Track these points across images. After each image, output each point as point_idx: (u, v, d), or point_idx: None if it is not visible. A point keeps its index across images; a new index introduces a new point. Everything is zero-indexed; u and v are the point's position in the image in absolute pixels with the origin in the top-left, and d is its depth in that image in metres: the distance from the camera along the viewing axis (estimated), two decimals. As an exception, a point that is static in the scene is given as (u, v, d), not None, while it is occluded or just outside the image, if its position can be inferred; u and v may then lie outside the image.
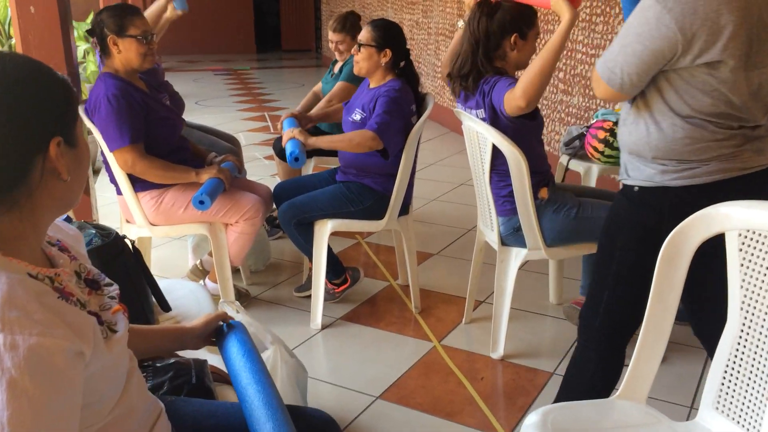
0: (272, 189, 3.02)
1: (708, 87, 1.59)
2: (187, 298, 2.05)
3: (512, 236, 2.52)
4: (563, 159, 3.85)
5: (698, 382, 2.44)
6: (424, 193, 4.72)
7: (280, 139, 3.90)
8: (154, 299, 1.92)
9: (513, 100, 2.22)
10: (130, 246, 1.96)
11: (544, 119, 5.35)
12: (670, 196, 1.68)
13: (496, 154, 2.41)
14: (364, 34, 2.82)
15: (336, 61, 4.03)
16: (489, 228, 2.63)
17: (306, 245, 2.84)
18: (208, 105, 8.64)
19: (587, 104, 4.62)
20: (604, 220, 1.88)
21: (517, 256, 2.54)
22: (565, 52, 4.84)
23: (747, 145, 1.64)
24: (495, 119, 2.37)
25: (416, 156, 2.88)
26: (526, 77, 2.19)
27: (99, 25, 2.62)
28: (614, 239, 1.81)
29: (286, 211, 2.79)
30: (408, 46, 2.90)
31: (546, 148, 5.16)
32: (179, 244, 3.71)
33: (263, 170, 5.37)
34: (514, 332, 2.74)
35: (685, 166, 1.66)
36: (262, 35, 15.77)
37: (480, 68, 2.40)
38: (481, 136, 2.47)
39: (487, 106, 2.37)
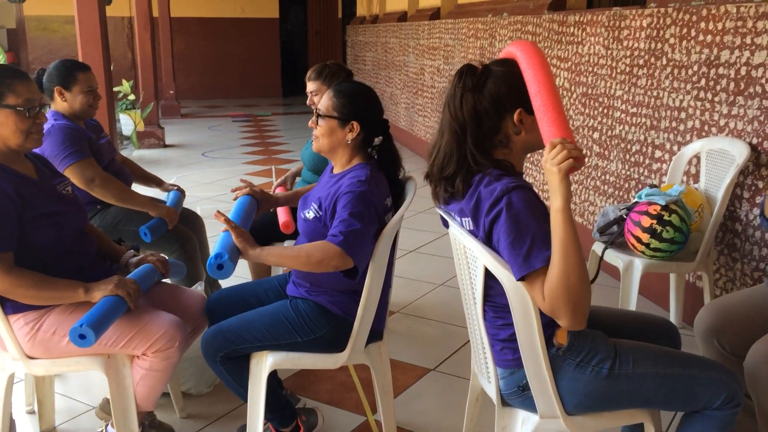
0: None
1: None
2: None
3: (517, 396, 1.74)
4: (597, 247, 3.05)
5: None
6: (423, 276, 3.94)
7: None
8: None
9: (552, 315, 1.55)
10: None
11: (576, 185, 4.61)
12: None
13: (492, 279, 1.65)
14: (325, 101, 2.11)
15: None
16: (485, 378, 1.85)
17: (238, 387, 2.09)
18: (215, 156, 8.07)
19: (627, 172, 3.82)
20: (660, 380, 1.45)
21: (524, 423, 1.75)
22: (601, 109, 4.07)
23: None
24: (491, 240, 1.62)
25: (393, 255, 2.13)
26: (560, 300, 1.49)
27: None
28: None
29: (210, 341, 2.06)
30: (384, 117, 2.17)
31: (578, 219, 4.38)
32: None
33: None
34: None
35: None
36: (289, 79, 15.39)
37: (471, 166, 1.66)
38: (469, 253, 1.71)
39: (482, 226, 1.63)
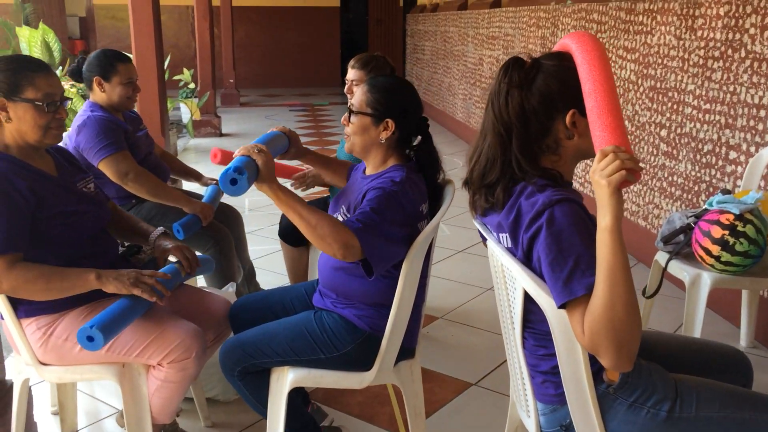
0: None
1: None
2: None
3: (559, 436, 1.53)
4: (660, 258, 2.78)
5: None
6: (470, 279, 3.73)
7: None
8: None
9: (593, 352, 1.33)
10: None
11: (640, 186, 4.29)
12: None
13: (532, 303, 1.45)
14: (358, 97, 1.92)
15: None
16: (524, 411, 1.65)
17: (257, 404, 1.95)
18: (269, 147, 8.01)
19: (697, 174, 3.50)
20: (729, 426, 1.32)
21: (567, 466, 1.54)
22: (670, 105, 3.76)
23: None
24: (531, 260, 1.42)
25: (427, 267, 1.94)
26: (602, 336, 1.27)
27: None
28: None
29: (228, 354, 1.92)
30: (424, 115, 1.97)
31: (642, 223, 4.07)
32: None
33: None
34: None
35: None
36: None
37: (514, 173, 1.45)
38: (507, 273, 1.51)
39: (520, 244, 1.42)
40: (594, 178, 1.29)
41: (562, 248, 1.32)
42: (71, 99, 2.04)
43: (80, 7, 13.85)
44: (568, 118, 1.43)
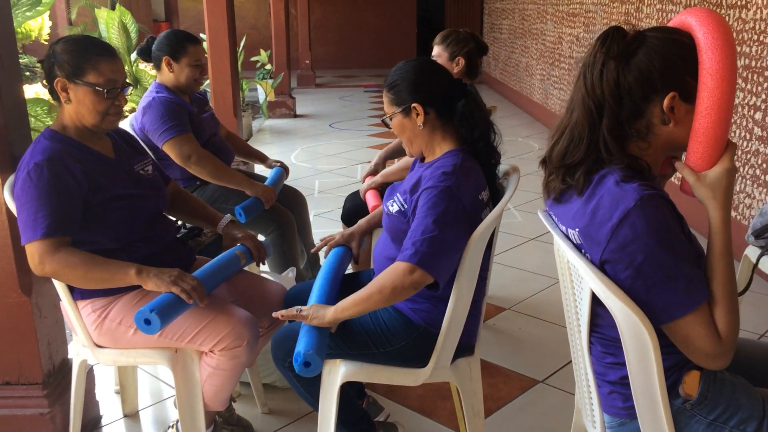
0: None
1: None
2: None
3: (628, 451, 1.39)
4: (750, 252, 2.55)
5: None
6: (541, 269, 3.56)
7: (352, 196, 3.02)
8: None
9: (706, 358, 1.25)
10: None
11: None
12: None
13: (601, 306, 1.31)
14: (384, 100, 1.85)
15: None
16: (589, 421, 1.51)
17: (308, 396, 1.89)
18: (342, 128, 7.99)
19: (797, 161, 3.21)
20: None
21: (636, 485, 1.40)
22: (766, 86, 3.45)
23: None
24: (610, 260, 1.27)
25: (488, 260, 1.82)
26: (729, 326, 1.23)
27: (49, 59, 1.86)
28: None
29: (279, 343, 1.86)
30: (463, 81, 1.81)
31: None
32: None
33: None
34: None
35: None
36: (425, 48, 15.10)
37: (600, 155, 1.30)
38: (574, 271, 1.37)
39: (597, 241, 1.26)
40: (703, 194, 1.23)
41: (664, 253, 1.20)
42: (133, 85, 2.01)
43: (164, -10, 14.20)
44: (666, 102, 1.26)
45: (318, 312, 1.70)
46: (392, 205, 1.81)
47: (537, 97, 8.32)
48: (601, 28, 5.94)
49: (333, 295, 1.80)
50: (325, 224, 4.27)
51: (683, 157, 1.34)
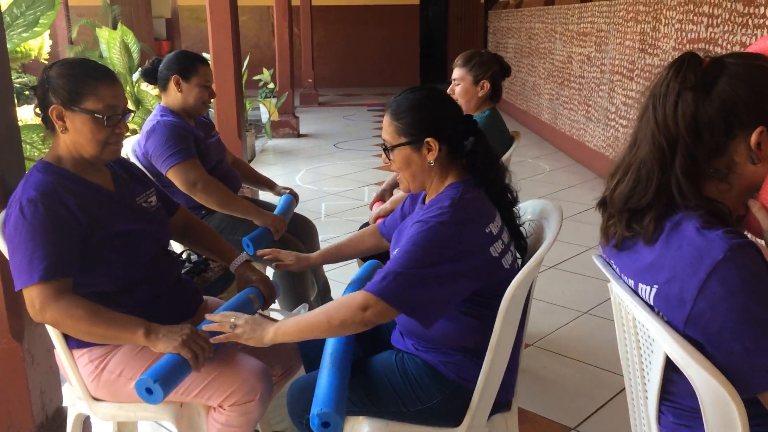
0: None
1: None
2: None
3: None
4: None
5: None
6: (563, 300, 3.38)
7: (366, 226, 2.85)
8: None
9: None
10: None
11: None
12: None
13: (675, 371, 1.13)
14: (386, 129, 1.64)
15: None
16: (653, 497, 1.33)
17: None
18: (346, 148, 7.85)
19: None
20: None
21: None
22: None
23: None
24: (695, 323, 1.09)
25: (525, 312, 1.64)
26: None
27: (43, 85, 1.69)
28: None
29: (297, 398, 1.68)
30: (464, 114, 1.66)
31: None
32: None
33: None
34: None
35: None
36: (428, 66, 15.04)
37: (673, 199, 1.14)
38: (642, 330, 1.20)
39: (680, 299, 1.08)
40: None
41: (761, 308, 1.02)
42: (134, 112, 1.84)
43: (166, 9, 14.15)
44: (753, 138, 1.09)
45: (255, 331, 1.55)
46: (397, 250, 1.63)
47: (545, 117, 8.19)
48: (614, 47, 5.81)
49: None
50: (333, 251, 4.09)
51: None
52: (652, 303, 1.14)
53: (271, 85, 9.50)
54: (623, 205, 1.19)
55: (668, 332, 1.09)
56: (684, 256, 1.07)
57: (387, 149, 1.64)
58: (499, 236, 1.56)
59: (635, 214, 1.17)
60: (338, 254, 2.07)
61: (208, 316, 1.64)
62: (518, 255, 1.67)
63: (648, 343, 1.18)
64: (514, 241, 1.66)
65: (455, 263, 1.47)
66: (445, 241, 1.48)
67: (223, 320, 1.60)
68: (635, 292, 1.19)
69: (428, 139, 1.58)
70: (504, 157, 2.67)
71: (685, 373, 1.10)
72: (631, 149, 1.20)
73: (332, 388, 1.49)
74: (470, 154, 1.62)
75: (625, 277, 1.22)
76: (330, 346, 1.64)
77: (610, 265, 1.28)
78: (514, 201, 1.67)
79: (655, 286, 1.12)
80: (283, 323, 1.56)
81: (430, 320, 1.50)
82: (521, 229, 1.68)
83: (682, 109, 1.12)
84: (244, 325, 1.57)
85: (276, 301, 2.64)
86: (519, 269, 1.56)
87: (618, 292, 1.24)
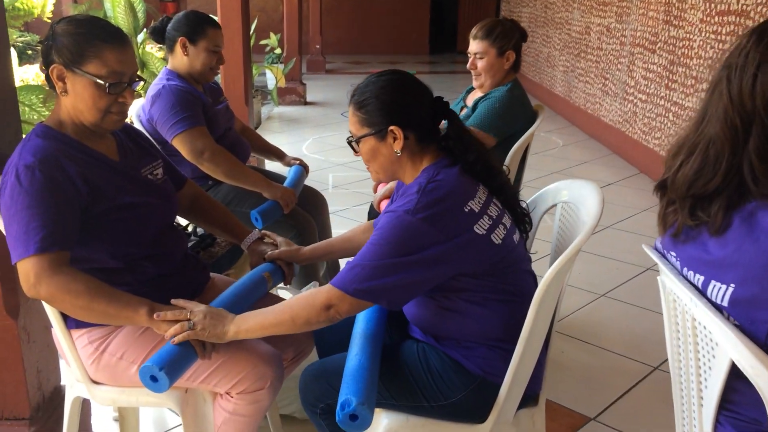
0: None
1: None
2: None
3: None
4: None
5: None
6: (579, 282, 3.26)
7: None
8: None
9: None
10: None
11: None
12: None
13: (739, 380, 1.02)
14: (350, 120, 1.54)
15: (471, 89, 2.74)
16: None
17: (341, 450, 1.60)
18: (354, 117, 7.67)
19: None
20: None
21: None
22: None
23: None
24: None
25: (558, 301, 1.53)
26: None
27: (48, 41, 1.55)
28: None
29: (310, 385, 1.57)
30: (439, 95, 1.54)
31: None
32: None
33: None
34: None
35: None
36: (437, 35, 14.76)
37: (746, 185, 1.01)
38: (702, 333, 1.08)
39: (752, 301, 0.97)
40: None
41: None
42: (144, 80, 1.70)
43: (172, -31, 13.85)
44: None
45: (216, 327, 1.45)
46: None
47: (559, 89, 8.00)
48: (636, 18, 5.61)
49: (242, 308, 1.57)
50: (342, 224, 3.98)
51: None
52: (726, 304, 1.01)
53: (278, 51, 9.28)
54: (687, 190, 1.06)
55: (739, 338, 0.97)
56: (764, 251, 0.95)
57: (352, 142, 1.53)
58: (484, 212, 1.44)
59: (701, 201, 1.05)
60: (329, 251, 1.94)
61: (173, 302, 1.53)
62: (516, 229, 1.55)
63: (709, 347, 1.06)
64: (512, 216, 1.54)
65: (426, 251, 1.37)
66: (411, 231, 1.37)
67: (179, 317, 1.47)
68: (698, 288, 1.06)
69: (392, 128, 1.46)
70: (527, 133, 2.52)
71: (754, 383, 0.98)
72: (698, 126, 1.07)
73: (364, 378, 1.38)
74: (444, 138, 1.51)
75: (691, 272, 1.09)
76: (361, 324, 1.55)
77: (665, 257, 1.16)
78: (504, 181, 1.55)
79: (732, 285, 1.00)
80: (245, 319, 1.47)
81: (398, 305, 1.43)
82: (521, 203, 1.58)
83: (762, 83, 0.98)
84: (203, 321, 1.46)
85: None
86: (519, 243, 1.51)
87: (673, 287, 1.11)
